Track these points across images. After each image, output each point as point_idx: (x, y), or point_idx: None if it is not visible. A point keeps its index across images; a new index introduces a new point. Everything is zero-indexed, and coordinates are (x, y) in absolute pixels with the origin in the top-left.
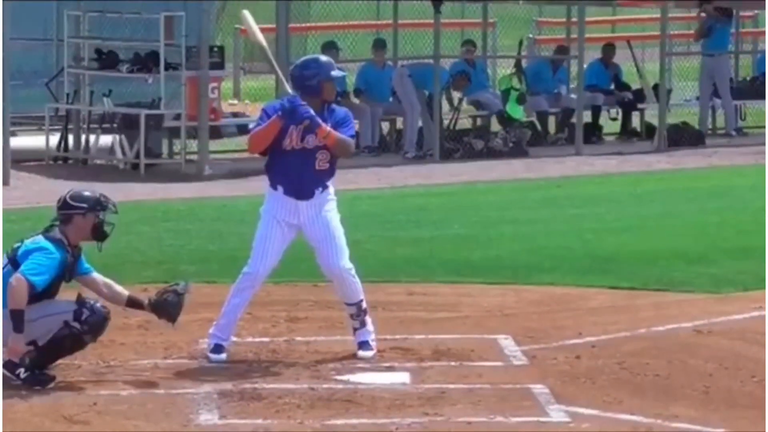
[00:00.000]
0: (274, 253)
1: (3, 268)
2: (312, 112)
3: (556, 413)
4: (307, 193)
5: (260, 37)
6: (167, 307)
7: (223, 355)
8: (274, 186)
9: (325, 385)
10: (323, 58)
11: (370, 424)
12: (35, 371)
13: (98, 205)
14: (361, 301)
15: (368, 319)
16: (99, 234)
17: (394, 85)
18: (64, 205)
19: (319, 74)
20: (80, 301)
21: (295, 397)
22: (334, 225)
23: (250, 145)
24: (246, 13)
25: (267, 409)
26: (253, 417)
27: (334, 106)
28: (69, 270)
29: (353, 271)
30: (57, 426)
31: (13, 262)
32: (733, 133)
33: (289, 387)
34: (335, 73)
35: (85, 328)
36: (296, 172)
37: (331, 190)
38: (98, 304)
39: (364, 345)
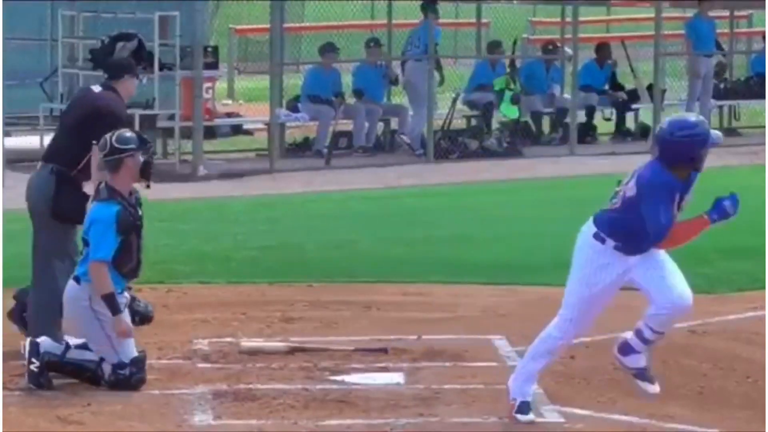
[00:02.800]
0: None
1: (82, 253)
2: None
3: (551, 414)
4: None
5: None
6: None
7: (531, 415)
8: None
9: (319, 386)
10: (693, 118)
11: (365, 425)
12: (44, 372)
13: (143, 142)
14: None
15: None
16: (148, 172)
17: (406, 77)
18: (111, 150)
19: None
20: (139, 353)
21: (290, 397)
22: None
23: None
24: None
25: (261, 409)
26: (247, 417)
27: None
28: (134, 216)
29: None
30: (52, 426)
31: (85, 242)
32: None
33: (284, 387)
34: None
35: (111, 379)
36: None
37: None
38: (144, 370)
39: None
